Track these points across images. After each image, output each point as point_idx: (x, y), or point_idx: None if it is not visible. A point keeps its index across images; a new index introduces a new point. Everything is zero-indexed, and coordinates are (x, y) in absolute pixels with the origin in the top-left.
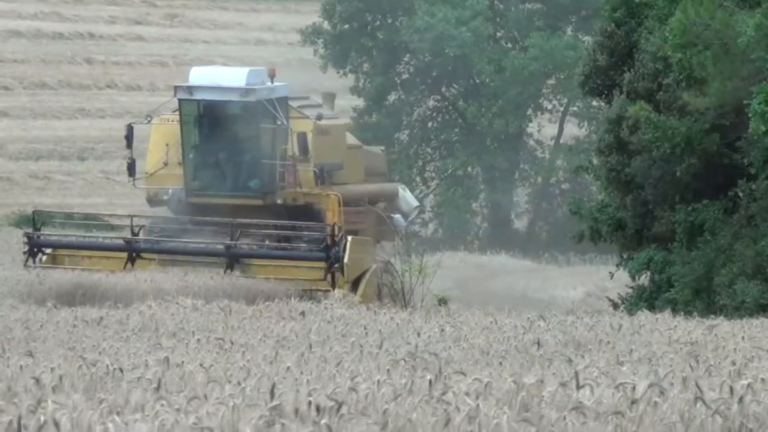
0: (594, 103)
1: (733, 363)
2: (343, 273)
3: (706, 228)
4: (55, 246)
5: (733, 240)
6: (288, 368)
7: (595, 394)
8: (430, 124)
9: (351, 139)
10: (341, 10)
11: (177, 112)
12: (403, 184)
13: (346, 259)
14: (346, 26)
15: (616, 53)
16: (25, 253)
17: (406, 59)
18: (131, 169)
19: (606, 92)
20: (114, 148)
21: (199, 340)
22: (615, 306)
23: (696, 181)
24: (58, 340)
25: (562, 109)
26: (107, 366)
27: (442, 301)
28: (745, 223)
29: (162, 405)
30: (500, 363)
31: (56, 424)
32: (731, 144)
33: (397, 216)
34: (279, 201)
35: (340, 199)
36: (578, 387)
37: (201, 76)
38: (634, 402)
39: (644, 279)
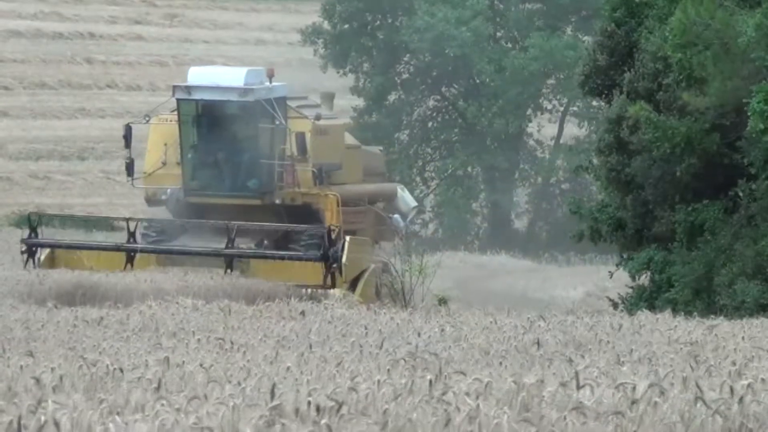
0: (594, 103)
1: (734, 363)
2: (341, 273)
3: (706, 228)
4: (52, 246)
5: (734, 240)
6: (288, 368)
7: (595, 394)
8: (430, 124)
9: (350, 139)
10: (341, 9)
11: (175, 112)
12: (403, 184)
13: (344, 259)
14: (346, 26)
15: (616, 53)
16: (23, 252)
17: (406, 59)
18: (130, 169)
19: (606, 92)
20: (114, 148)
21: (199, 340)
22: (615, 306)
23: (696, 181)
24: (58, 340)
25: (562, 109)
26: (107, 366)
27: (442, 301)
28: (745, 223)
29: (162, 405)
30: (500, 363)
31: (56, 424)
32: (731, 144)
33: (396, 216)
34: (277, 201)
35: (339, 199)
36: (578, 387)
37: (199, 75)
38: (634, 402)
39: (644, 279)
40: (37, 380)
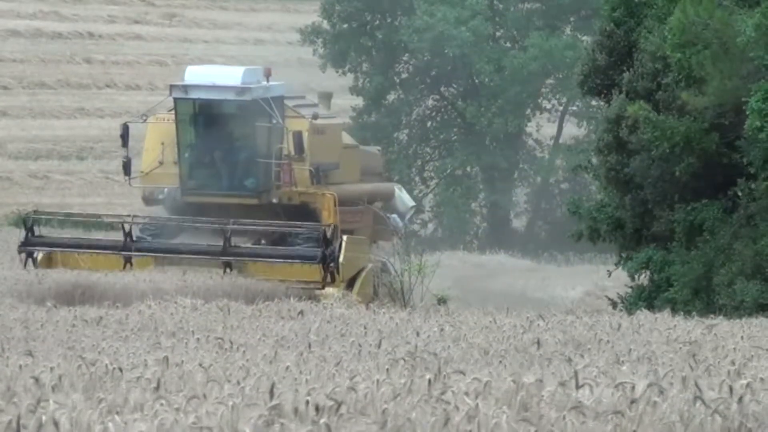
0: (593, 102)
1: (733, 362)
2: (338, 272)
3: (706, 227)
4: (49, 246)
5: (733, 239)
6: (287, 368)
7: (594, 393)
8: (429, 123)
9: (347, 138)
10: (340, 9)
11: (173, 111)
12: (402, 183)
13: (341, 258)
14: (345, 26)
15: (615, 53)
16: (21, 252)
17: (405, 59)
18: (127, 168)
19: (605, 92)
20: (113, 147)
21: (198, 339)
22: (614, 305)
23: (695, 180)
24: (57, 339)
25: (561, 108)
26: (106, 365)
27: (442, 301)
28: (744, 222)
29: (161, 404)
30: (499, 362)
31: (56, 424)
32: (730, 143)
33: (394, 216)
34: (274, 200)
35: (336, 199)
36: (578, 386)
37: (196, 75)
38: (633, 401)
39: (643, 278)
40: (37, 380)
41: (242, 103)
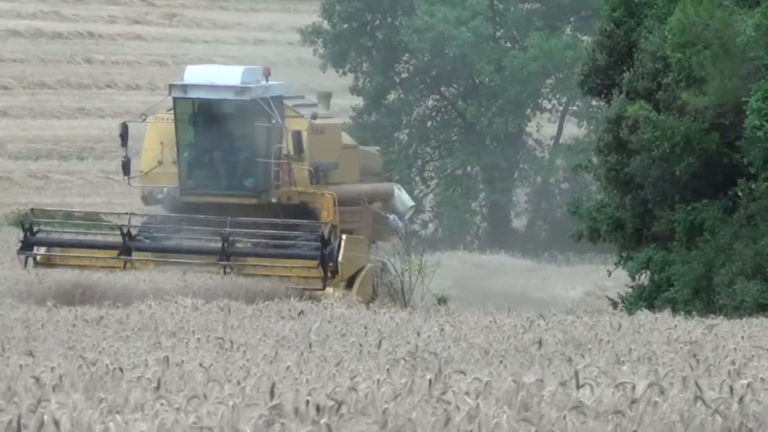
0: (593, 102)
1: (733, 362)
2: (337, 271)
3: (706, 227)
4: (48, 245)
5: (733, 239)
6: (288, 368)
7: (595, 393)
8: (429, 123)
9: (346, 138)
10: (340, 9)
11: (172, 111)
12: (402, 183)
13: (340, 258)
14: (346, 26)
15: (615, 53)
16: (20, 251)
17: (405, 59)
18: (126, 167)
19: (605, 92)
20: (113, 147)
21: (198, 339)
22: (614, 305)
23: (695, 180)
24: (57, 339)
25: (561, 108)
26: (107, 365)
27: (442, 301)
28: (744, 222)
29: (162, 404)
30: (500, 362)
31: (56, 424)
32: (731, 143)
33: (393, 216)
34: (274, 200)
35: (335, 199)
36: (578, 386)
37: (196, 74)
38: (633, 401)
39: (644, 278)
40: (37, 379)
41: (241, 102)
